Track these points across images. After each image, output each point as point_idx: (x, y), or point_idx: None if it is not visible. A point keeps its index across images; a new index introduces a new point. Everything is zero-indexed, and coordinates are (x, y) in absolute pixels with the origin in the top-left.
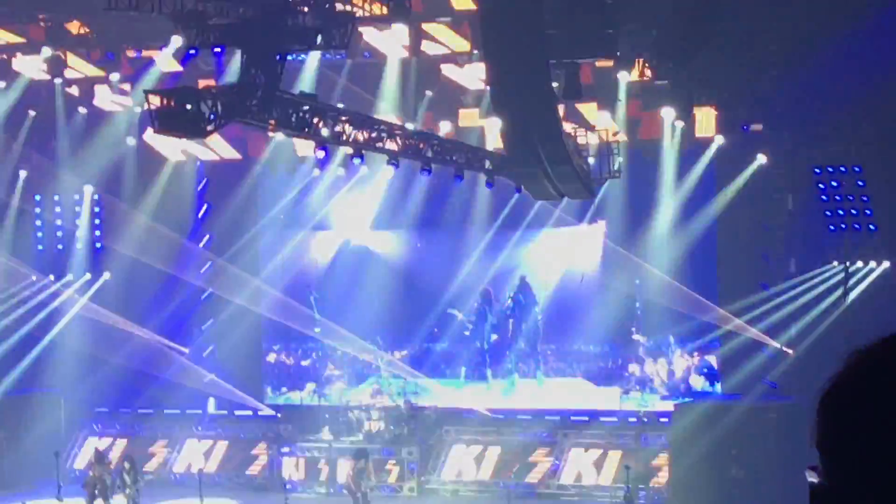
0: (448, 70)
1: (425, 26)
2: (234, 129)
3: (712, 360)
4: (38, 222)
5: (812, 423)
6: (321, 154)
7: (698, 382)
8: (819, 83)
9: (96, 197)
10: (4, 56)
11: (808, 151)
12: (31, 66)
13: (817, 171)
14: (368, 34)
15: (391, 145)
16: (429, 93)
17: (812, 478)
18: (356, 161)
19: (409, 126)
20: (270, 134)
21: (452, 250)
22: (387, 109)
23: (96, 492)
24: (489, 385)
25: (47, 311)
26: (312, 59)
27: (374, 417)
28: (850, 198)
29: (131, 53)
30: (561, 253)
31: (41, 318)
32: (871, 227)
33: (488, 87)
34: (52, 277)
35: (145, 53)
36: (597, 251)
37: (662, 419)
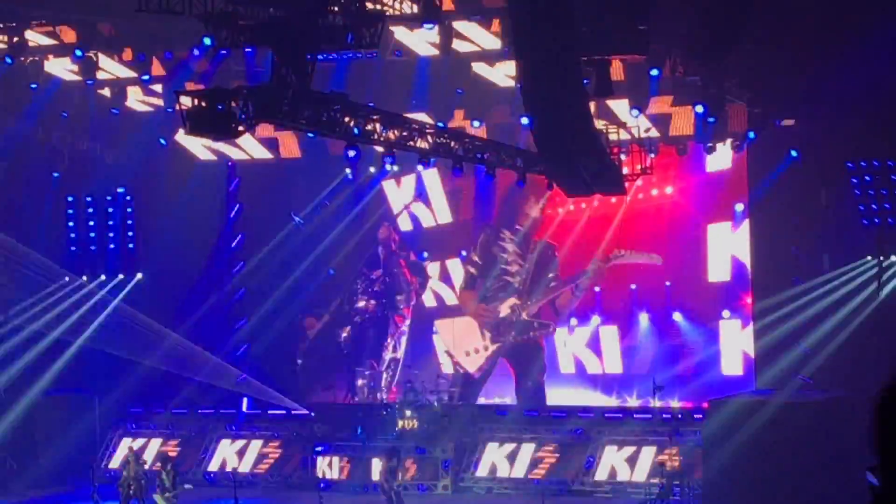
0: (479, 68)
1: (456, 25)
2: (265, 128)
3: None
4: (71, 223)
5: (870, 427)
6: (352, 153)
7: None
8: (851, 77)
9: (129, 198)
10: (37, 58)
11: (840, 146)
12: (63, 68)
13: (850, 165)
14: (399, 33)
15: (422, 144)
16: (460, 91)
17: (873, 478)
18: (387, 160)
19: (440, 124)
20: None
21: None
22: (418, 108)
23: (131, 492)
24: None
25: (81, 311)
26: (343, 57)
27: (408, 416)
28: (884, 192)
29: (162, 55)
30: None
31: (75, 318)
32: None
33: (519, 85)
34: (85, 278)
35: (176, 54)
36: None
37: (697, 415)
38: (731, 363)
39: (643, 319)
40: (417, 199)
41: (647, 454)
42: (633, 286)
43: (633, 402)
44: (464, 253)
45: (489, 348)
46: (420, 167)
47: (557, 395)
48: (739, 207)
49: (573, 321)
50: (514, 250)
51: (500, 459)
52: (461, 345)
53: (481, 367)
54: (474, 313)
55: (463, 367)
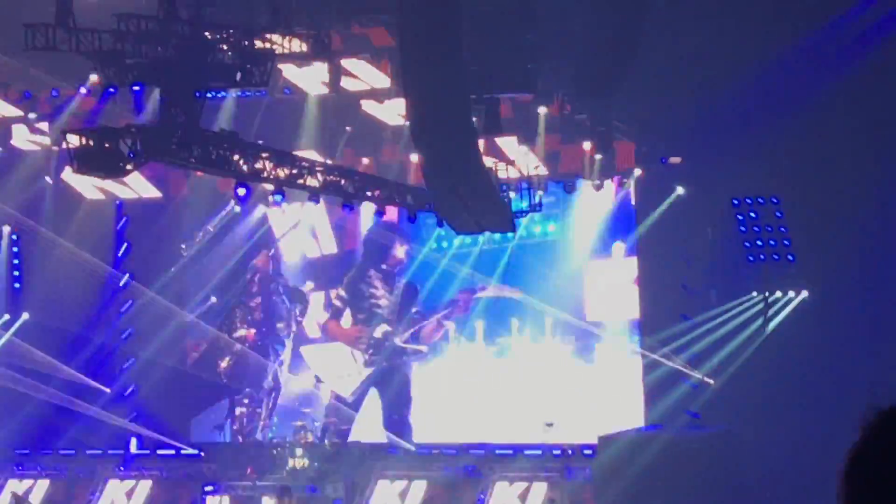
0: (368, 106)
1: (345, 62)
2: (153, 167)
3: None
4: None
5: (839, 484)
6: (242, 191)
7: None
8: (736, 115)
9: (15, 237)
10: None
11: (726, 183)
12: None
13: (735, 202)
14: (288, 71)
15: (312, 182)
16: (349, 129)
17: None
18: (276, 198)
19: (330, 162)
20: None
21: None
22: (307, 146)
23: None
24: None
25: None
26: (231, 95)
27: (298, 454)
28: (769, 228)
29: (49, 92)
30: None
31: None
32: (790, 257)
33: (408, 123)
34: None
35: (63, 92)
36: None
37: (587, 451)
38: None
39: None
40: (297, 227)
41: (539, 490)
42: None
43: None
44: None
45: (362, 372)
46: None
47: (438, 430)
48: (620, 246)
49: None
50: (381, 286)
51: (392, 497)
52: (333, 370)
53: (354, 391)
54: (345, 338)
55: (336, 391)
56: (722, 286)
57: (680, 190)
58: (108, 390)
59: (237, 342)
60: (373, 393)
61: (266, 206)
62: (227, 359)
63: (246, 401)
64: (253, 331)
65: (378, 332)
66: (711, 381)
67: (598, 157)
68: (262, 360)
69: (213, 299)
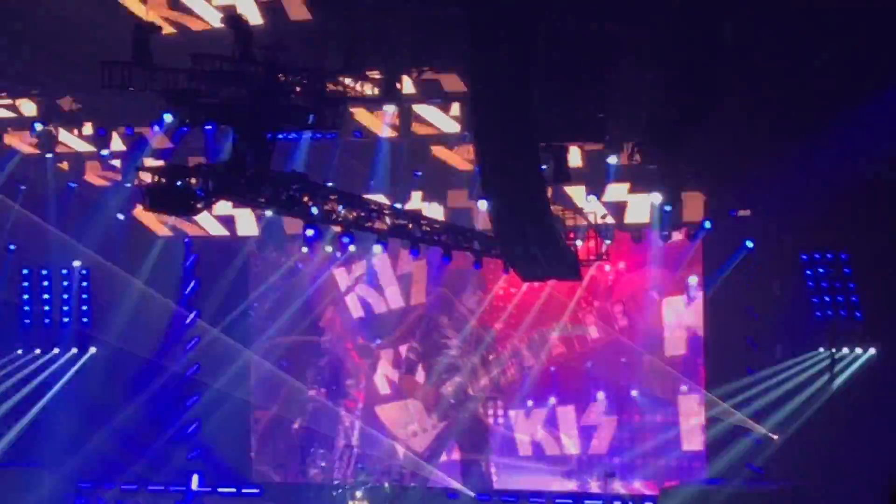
0: (438, 151)
1: (416, 108)
2: (223, 206)
3: None
4: (26, 296)
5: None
6: (310, 233)
7: None
8: (808, 169)
9: (85, 272)
10: None
11: (795, 237)
12: (21, 141)
13: (804, 257)
14: (359, 114)
15: (380, 225)
16: (418, 173)
17: None
18: (345, 240)
19: (398, 206)
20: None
21: None
22: (376, 189)
23: None
24: None
25: (33, 385)
26: (304, 137)
27: (358, 497)
28: (837, 285)
29: (122, 130)
30: None
31: (27, 391)
32: (857, 313)
33: (477, 168)
34: (38, 351)
35: (136, 130)
36: None
37: (648, 503)
38: (692, 439)
39: (600, 397)
40: (362, 282)
41: None
42: (589, 364)
43: (592, 484)
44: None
45: (437, 426)
46: (377, 247)
47: (515, 479)
48: (693, 280)
49: (529, 402)
50: (453, 335)
51: None
52: (407, 426)
53: (429, 446)
54: (420, 395)
55: (410, 447)
56: (788, 341)
57: (749, 244)
58: (171, 427)
59: (309, 402)
60: (452, 444)
61: (332, 265)
62: (299, 420)
63: (322, 463)
64: (324, 390)
65: (449, 387)
66: (775, 437)
67: (666, 208)
68: (334, 420)
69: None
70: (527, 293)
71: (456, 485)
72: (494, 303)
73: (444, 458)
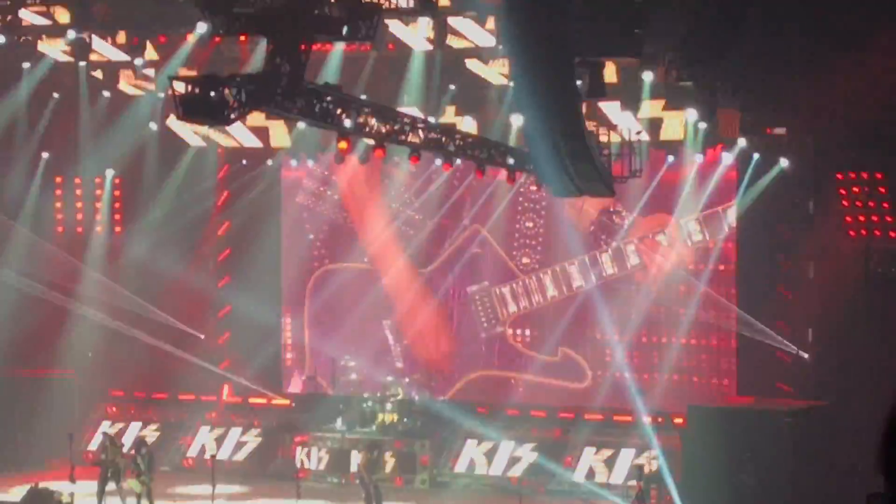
0: (472, 65)
1: (451, 20)
2: (256, 116)
3: None
4: (59, 204)
5: (878, 451)
6: (343, 145)
7: None
8: (844, 88)
9: (117, 181)
10: (30, 38)
11: (830, 156)
12: (55, 49)
13: (839, 176)
14: (394, 26)
15: (413, 138)
16: (452, 87)
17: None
18: (377, 153)
19: (432, 120)
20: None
21: None
22: (410, 102)
23: (108, 475)
24: None
25: (65, 293)
26: (337, 49)
27: (389, 409)
28: (871, 204)
29: (156, 39)
30: None
31: (60, 299)
32: (892, 233)
33: (512, 83)
34: (72, 259)
35: (170, 39)
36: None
37: (677, 419)
38: (721, 358)
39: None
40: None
41: (626, 457)
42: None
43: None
44: None
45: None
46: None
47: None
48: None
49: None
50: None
51: (478, 457)
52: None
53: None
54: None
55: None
56: (821, 260)
57: (783, 161)
58: (202, 337)
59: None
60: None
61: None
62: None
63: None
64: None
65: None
66: (806, 355)
67: (701, 125)
68: (368, 333)
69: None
70: (549, 230)
71: (485, 401)
72: (522, 239)
73: (472, 375)
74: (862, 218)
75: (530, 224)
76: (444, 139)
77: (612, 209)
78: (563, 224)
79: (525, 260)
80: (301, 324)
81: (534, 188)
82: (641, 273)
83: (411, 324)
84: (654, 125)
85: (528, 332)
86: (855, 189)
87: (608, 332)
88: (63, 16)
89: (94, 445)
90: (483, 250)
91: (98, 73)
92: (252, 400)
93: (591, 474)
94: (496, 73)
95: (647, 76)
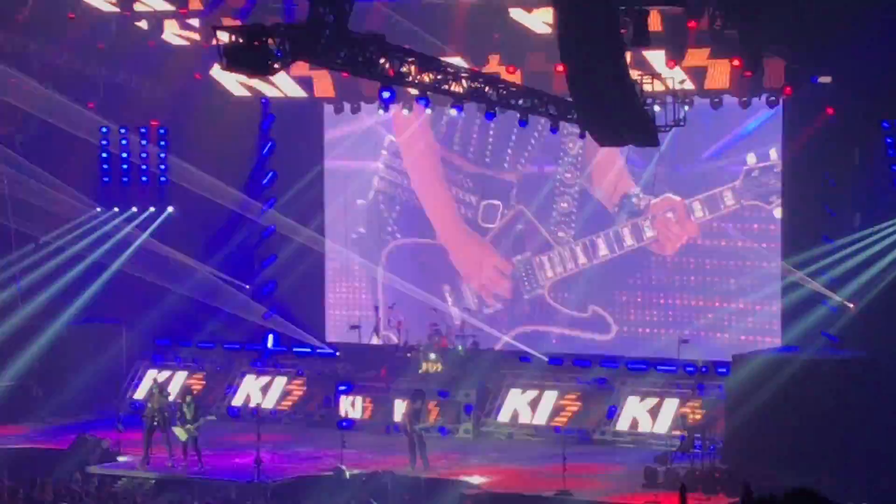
0: (516, 14)
1: None
2: (300, 67)
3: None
4: (104, 154)
5: None
6: (386, 95)
7: None
8: (891, 35)
9: (162, 131)
10: None
11: (876, 105)
12: (100, 0)
13: (885, 125)
14: None
15: (456, 88)
16: (496, 36)
17: None
18: (421, 103)
19: (475, 69)
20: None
21: None
22: (454, 52)
23: (155, 423)
24: None
25: (111, 242)
26: None
27: (432, 359)
28: None
29: None
30: None
31: (105, 249)
32: None
33: (556, 32)
34: (116, 209)
35: None
36: None
37: (721, 369)
38: (766, 307)
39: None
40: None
41: (670, 406)
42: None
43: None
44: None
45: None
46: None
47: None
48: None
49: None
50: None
51: (522, 406)
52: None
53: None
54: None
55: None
56: (867, 209)
57: (829, 110)
58: (247, 287)
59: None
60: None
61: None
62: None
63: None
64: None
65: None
66: (851, 305)
67: (746, 74)
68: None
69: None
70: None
71: (528, 349)
72: (558, 217)
73: (517, 329)
74: None
75: (565, 205)
76: (487, 88)
77: (632, 193)
78: (593, 203)
79: (560, 234)
80: (345, 273)
81: (568, 175)
82: (661, 243)
83: (475, 277)
84: (699, 75)
85: (564, 294)
86: None
87: (639, 293)
88: None
89: (140, 394)
90: (525, 226)
91: (143, 24)
92: (296, 349)
93: (634, 424)
94: (540, 21)
95: (692, 25)
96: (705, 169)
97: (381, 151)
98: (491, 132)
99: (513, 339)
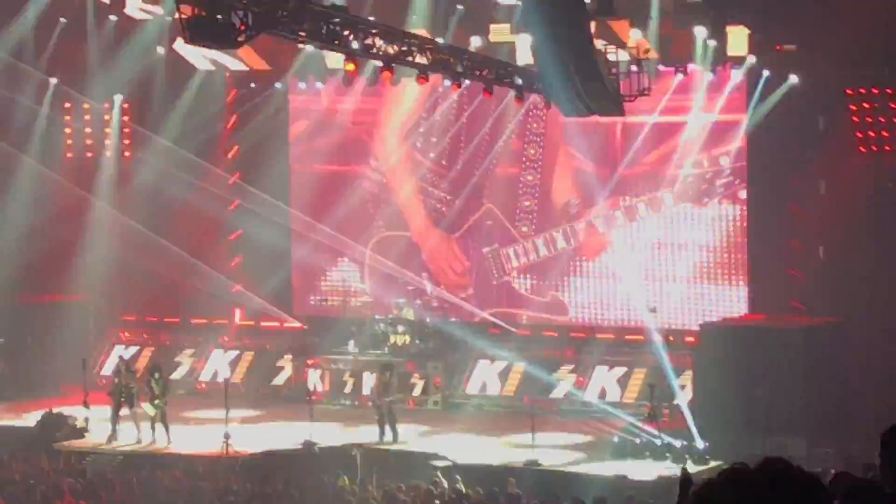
0: None
1: None
2: (263, 40)
3: None
4: (68, 130)
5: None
6: (351, 66)
7: None
8: (854, 4)
9: (125, 106)
10: None
11: (840, 73)
12: None
13: (849, 92)
14: None
15: (421, 59)
16: (460, 7)
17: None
18: (385, 75)
19: (440, 40)
20: (300, 45)
21: None
22: (417, 23)
23: (122, 399)
24: None
25: (76, 218)
26: None
27: (400, 331)
28: (882, 120)
29: None
30: None
31: (70, 225)
32: None
33: (519, 2)
34: (80, 186)
35: None
36: None
37: (688, 338)
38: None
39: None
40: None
41: (638, 375)
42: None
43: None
44: None
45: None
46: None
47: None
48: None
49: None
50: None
51: (490, 377)
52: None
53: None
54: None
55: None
56: (831, 176)
57: (793, 78)
58: (214, 261)
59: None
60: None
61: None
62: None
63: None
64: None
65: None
66: (819, 270)
67: (711, 42)
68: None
69: None
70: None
71: (496, 321)
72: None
73: (486, 311)
74: (872, 134)
75: (528, 203)
76: (451, 59)
77: (576, 199)
78: (550, 203)
79: (524, 228)
80: (312, 247)
81: (529, 177)
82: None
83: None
84: (664, 44)
85: (527, 280)
86: (865, 105)
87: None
88: None
89: (107, 370)
90: (494, 222)
91: None
92: (264, 323)
93: (602, 394)
94: None
95: None
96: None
97: (371, 160)
98: (462, 137)
99: (484, 319)
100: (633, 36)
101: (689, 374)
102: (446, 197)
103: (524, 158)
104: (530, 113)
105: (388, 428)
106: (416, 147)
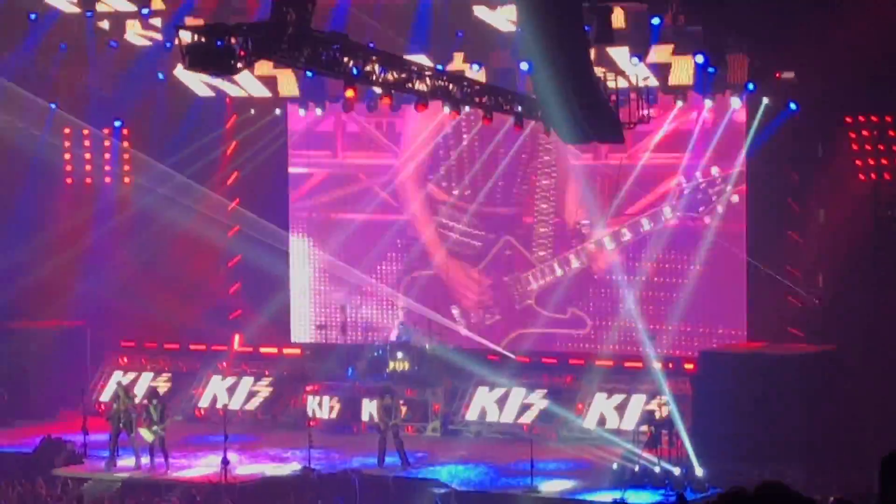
0: (480, 11)
1: None
2: (264, 66)
3: None
4: (67, 156)
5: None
6: (350, 93)
7: None
8: (853, 31)
9: (125, 132)
10: None
11: (839, 100)
12: (62, 0)
13: (848, 119)
14: None
15: (420, 86)
16: (460, 34)
17: None
18: (384, 102)
19: (439, 67)
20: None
21: None
22: (418, 51)
23: (121, 425)
24: None
25: (76, 243)
26: None
27: (399, 357)
28: (881, 147)
29: None
30: None
31: (69, 250)
32: None
33: (520, 30)
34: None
35: None
36: None
37: (687, 365)
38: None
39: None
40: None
41: (637, 403)
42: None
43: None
44: None
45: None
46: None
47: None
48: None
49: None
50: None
51: (489, 404)
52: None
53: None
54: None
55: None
56: (831, 203)
57: (792, 106)
58: (213, 287)
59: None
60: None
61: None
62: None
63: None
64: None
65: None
66: (817, 301)
67: (710, 70)
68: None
69: None
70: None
71: (496, 348)
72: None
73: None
74: (871, 161)
75: (543, 230)
76: (451, 86)
77: (583, 221)
78: (564, 225)
79: (541, 253)
80: (312, 273)
81: (544, 205)
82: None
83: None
84: (663, 71)
85: (546, 300)
86: (864, 132)
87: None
88: None
89: (106, 396)
90: (512, 252)
91: (105, 24)
92: (263, 349)
93: (601, 421)
94: (504, 19)
95: (656, 21)
96: None
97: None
98: (479, 175)
99: (510, 342)
100: (633, 63)
101: (688, 400)
102: (469, 230)
103: (538, 189)
104: (540, 146)
105: (396, 453)
106: (439, 185)
